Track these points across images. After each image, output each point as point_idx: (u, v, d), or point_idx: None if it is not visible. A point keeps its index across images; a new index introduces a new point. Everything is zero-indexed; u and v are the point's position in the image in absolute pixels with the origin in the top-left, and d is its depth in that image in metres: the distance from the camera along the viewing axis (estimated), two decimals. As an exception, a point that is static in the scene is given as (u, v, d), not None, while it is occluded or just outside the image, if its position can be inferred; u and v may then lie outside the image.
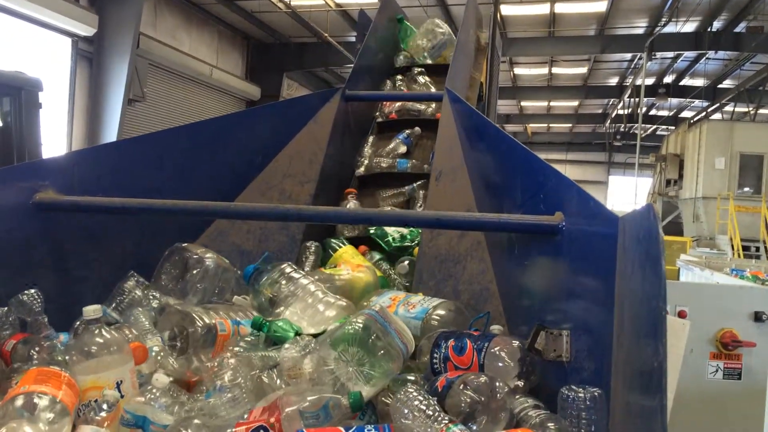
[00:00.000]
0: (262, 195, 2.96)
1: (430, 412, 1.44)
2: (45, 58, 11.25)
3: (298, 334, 1.92)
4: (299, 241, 2.87)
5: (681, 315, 3.20)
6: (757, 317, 3.26)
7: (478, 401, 1.48)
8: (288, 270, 2.20)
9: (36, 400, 1.35)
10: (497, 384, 1.51)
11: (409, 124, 3.78)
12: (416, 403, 1.46)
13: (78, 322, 1.79)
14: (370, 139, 3.79)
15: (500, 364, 1.73)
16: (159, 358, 1.78)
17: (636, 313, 1.32)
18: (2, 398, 1.39)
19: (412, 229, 3.00)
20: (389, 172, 3.52)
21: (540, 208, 2.04)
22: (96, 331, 1.57)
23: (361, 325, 1.66)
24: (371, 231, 3.07)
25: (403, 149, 3.66)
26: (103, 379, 1.50)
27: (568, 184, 1.90)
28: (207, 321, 1.82)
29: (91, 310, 1.59)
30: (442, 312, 2.15)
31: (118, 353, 1.56)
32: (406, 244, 3.02)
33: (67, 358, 1.57)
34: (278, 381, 1.66)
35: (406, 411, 1.45)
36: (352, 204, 3.29)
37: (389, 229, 3.04)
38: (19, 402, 1.34)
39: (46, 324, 1.82)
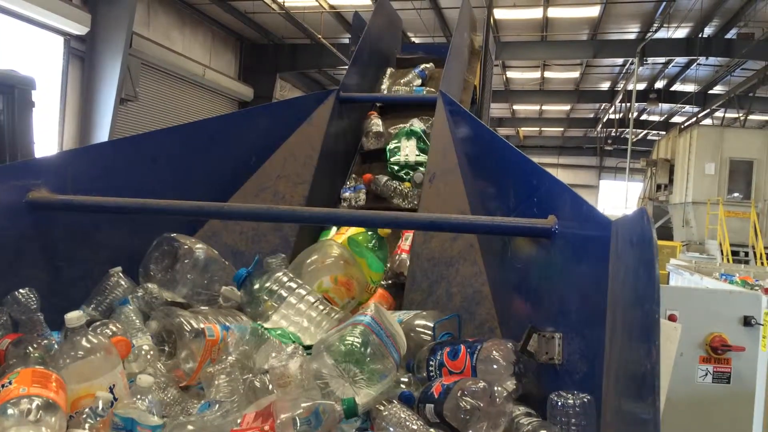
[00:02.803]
0: (255, 196, 2.96)
1: (415, 427, 1.46)
2: (37, 56, 11.18)
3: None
4: (292, 242, 2.87)
5: (671, 319, 3.22)
6: (747, 322, 3.28)
7: (478, 407, 1.49)
8: (282, 278, 2.19)
9: (35, 402, 1.34)
10: (496, 389, 1.52)
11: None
12: (401, 421, 1.47)
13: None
14: (388, 71, 4.27)
15: (494, 366, 1.74)
16: (149, 357, 1.77)
17: (629, 316, 1.33)
18: None
19: (421, 160, 3.32)
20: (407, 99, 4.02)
21: (533, 211, 2.05)
22: (83, 339, 1.54)
23: (358, 341, 1.64)
24: (389, 147, 3.51)
25: (418, 81, 4.18)
26: (96, 386, 1.49)
27: (562, 187, 1.91)
28: (195, 326, 1.80)
29: (75, 318, 1.55)
30: (414, 322, 2.17)
31: (106, 357, 1.54)
32: (401, 174, 3.44)
33: (54, 365, 1.54)
34: (270, 386, 1.65)
35: (391, 429, 1.46)
36: (375, 121, 3.73)
37: (402, 155, 3.46)
38: (18, 404, 1.33)
39: (41, 322, 1.81)
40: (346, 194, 3.44)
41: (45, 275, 2.12)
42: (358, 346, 1.63)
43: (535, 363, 1.72)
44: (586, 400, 1.42)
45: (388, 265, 2.83)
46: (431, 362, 1.87)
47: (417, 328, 2.15)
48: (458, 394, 1.53)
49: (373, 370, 1.63)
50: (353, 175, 3.64)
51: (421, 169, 3.31)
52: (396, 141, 3.52)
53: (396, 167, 3.45)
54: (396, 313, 2.26)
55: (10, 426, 1.30)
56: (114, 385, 1.51)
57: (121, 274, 2.14)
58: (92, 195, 2.23)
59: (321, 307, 2.13)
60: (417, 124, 3.61)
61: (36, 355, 1.65)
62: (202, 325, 1.81)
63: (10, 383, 1.39)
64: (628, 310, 1.33)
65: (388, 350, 1.70)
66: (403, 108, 3.92)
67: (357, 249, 2.60)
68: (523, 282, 2.19)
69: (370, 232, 2.68)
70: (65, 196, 2.15)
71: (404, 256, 2.84)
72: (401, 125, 3.66)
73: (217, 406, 1.57)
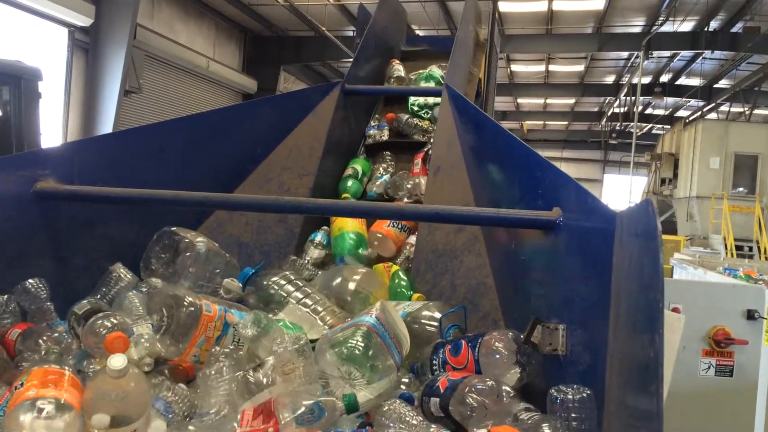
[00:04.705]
0: (260, 187, 2.97)
1: (415, 422, 1.47)
2: (41, 48, 11.19)
3: None
4: (297, 233, 2.88)
5: (675, 312, 3.22)
6: (750, 315, 3.28)
7: (484, 405, 1.50)
8: (283, 282, 2.19)
9: (45, 403, 1.32)
10: (504, 389, 1.53)
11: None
12: (401, 416, 1.48)
13: (71, 316, 1.78)
14: None
15: (496, 357, 1.74)
16: (147, 345, 1.75)
17: (633, 307, 1.33)
18: (6, 389, 1.39)
19: (439, 101, 3.45)
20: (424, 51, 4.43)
21: (538, 203, 2.06)
22: (120, 392, 1.40)
23: (361, 344, 1.64)
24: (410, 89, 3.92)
25: None
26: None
27: (566, 180, 1.92)
28: (192, 299, 1.81)
29: (119, 364, 1.39)
30: (420, 314, 2.16)
31: (138, 407, 1.44)
32: (420, 113, 3.79)
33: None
34: (264, 380, 1.65)
35: (391, 425, 1.47)
36: (397, 67, 4.12)
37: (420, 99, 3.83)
38: (28, 406, 1.31)
39: (51, 312, 1.82)
40: (371, 132, 3.80)
41: (51, 265, 2.13)
42: (360, 349, 1.64)
43: (539, 354, 1.72)
44: (585, 394, 1.42)
45: (409, 186, 3.30)
46: (434, 361, 1.89)
47: (422, 320, 2.15)
48: (465, 391, 1.54)
49: (373, 372, 1.63)
50: (377, 116, 3.97)
51: (438, 108, 3.52)
52: (416, 84, 3.93)
53: (416, 107, 3.80)
54: (401, 305, 2.27)
55: (21, 428, 1.28)
56: (136, 430, 1.43)
57: (122, 269, 2.14)
58: (99, 185, 2.24)
59: (327, 305, 2.15)
60: (435, 70, 4.00)
61: (55, 350, 1.65)
62: (200, 301, 1.81)
63: (21, 385, 1.38)
64: (632, 301, 1.34)
65: (390, 352, 1.70)
66: (422, 56, 4.35)
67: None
68: (527, 274, 2.20)
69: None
70: (72, 187, 2.17)
71: (419, 179, 3.29)
72: (421, 71, 4.08)
73: (214, 409, 1.57)
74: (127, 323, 1.75)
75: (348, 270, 2.46)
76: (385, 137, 3.76)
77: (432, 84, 3.89)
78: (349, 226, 2.88)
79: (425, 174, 3.26)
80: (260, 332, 1.79)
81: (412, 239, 2.92)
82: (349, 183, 3.36)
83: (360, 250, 2.82)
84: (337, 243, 2.86)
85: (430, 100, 3.76)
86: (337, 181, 3.43)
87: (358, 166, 3.47)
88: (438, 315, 2.14)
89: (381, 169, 3.56)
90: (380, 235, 2.96)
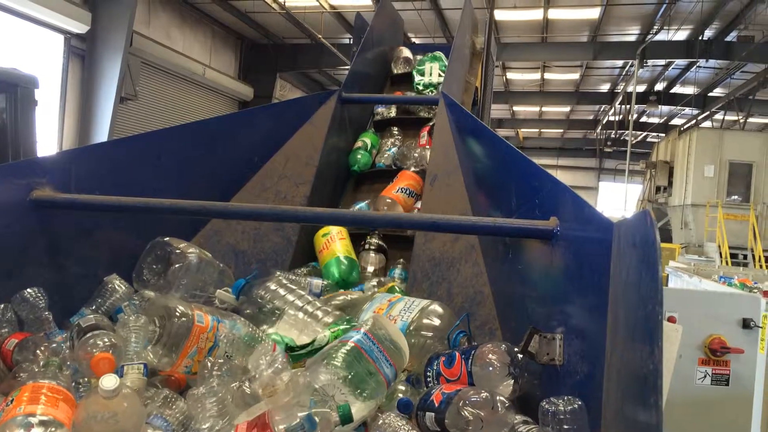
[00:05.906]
0: (257, 196, 2.97)
1: None
2: (37, 54, 11.18)
3: (288, 347, 1.90)
4: (294, 242, 2.88)
5: (671, 320, 3.23)
6: (746, 324, 3.29)
7: (480, 417, 1.49)
8: (275, 286, 2.19)
9: (33, 421, 1.31)
10: (498, 399, 1.52)
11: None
12: (396, 430, 1.48)
13: (75, 328, 1.76)
14: None
15: (489, 369, 1.74)
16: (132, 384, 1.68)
17: (631, 317, 1.33)
18: (2, 400, 1.37)
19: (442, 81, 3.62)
20: None
21: (535, 213, 2.06)
22: (112, 412, 1.39)
23: (346, 362, 1.63)
24: (416, 69, 4.21)
25: None
26: None
27: (563, 189, 1.92)
28: (184, 310, 1.79)
29: (111, 385, 1.38)
30: (421, 324, 2.14)
31: (131, 426, 1.42)
32: (425, 92, 4.08)
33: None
34: (260, 390, 1.63)
35: None
36: (404, 49, 4.42)
37: (426, 76, 4.11)
38: (18, 425, 1.30)
39: (50, 321, 1.81)
40: (379, 109, 4.09)
41: (48, 273, 2.12)
42: (344, 366, 1.62)
43: (536, 364, 1.72)
44: (576, 405, 1.42)
45: (415, 155, 3.51)
46: (428, 373, 1.88)
47: (421, 330, 2.13)
48: (460, 404, 1.53)
49: (360, 389, 1.62)
50: (385, 94, 4.22)
51: (442, 86, 3.66)
52: (421, 65, 4.21)
53: (421, 86, 4.10)
54: (399, 305, 2.21)
55: None
56: None
57: (116, 281, 2.13)
58: (96, 194, 2.23)
59: (317, 305, 2.14)
60: (440, 55, 4.27)
61: (55, 361, 1.63)
62: (192, 312, 1.79)
63: (12, 401, 1.37)
64: (631, 312, 1.34)
65: (379, 367, 1.68)
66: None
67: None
68: (524, 283, 2.20)
69: None
70: (69, 195, 2.16)
71: (425, 151, 3.50)
72: (427, 53, 4.35)
73: (208, 424, 1.56)
74: (119, 347, 1.69)
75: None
76: (393, 114, 4.05)
77: (437, 64, 4.13)
78: (340, 250, 2.87)
79: (431, 145, 3.46)
80: (246, 347, 1.78)
81: (419, 204, 3.13)
82: (359, 155, 3.59)
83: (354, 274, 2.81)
84: (328, 269, 2.82)
85: (435, 78, 4.00)
86: (334, 188, 3.44)
87: (367, 139, 3.70)
88: (441, 311, 2.12)
89: (389, 143, 3.78)
90: (389, 200, 3.20)
